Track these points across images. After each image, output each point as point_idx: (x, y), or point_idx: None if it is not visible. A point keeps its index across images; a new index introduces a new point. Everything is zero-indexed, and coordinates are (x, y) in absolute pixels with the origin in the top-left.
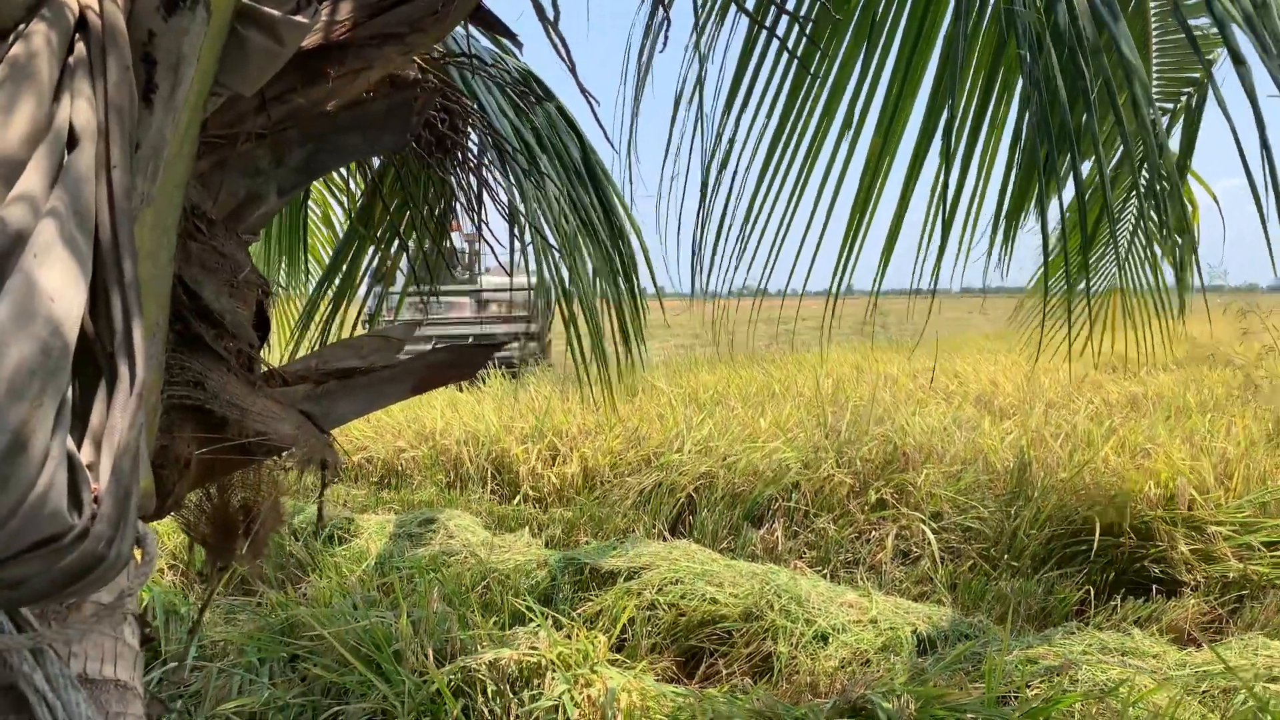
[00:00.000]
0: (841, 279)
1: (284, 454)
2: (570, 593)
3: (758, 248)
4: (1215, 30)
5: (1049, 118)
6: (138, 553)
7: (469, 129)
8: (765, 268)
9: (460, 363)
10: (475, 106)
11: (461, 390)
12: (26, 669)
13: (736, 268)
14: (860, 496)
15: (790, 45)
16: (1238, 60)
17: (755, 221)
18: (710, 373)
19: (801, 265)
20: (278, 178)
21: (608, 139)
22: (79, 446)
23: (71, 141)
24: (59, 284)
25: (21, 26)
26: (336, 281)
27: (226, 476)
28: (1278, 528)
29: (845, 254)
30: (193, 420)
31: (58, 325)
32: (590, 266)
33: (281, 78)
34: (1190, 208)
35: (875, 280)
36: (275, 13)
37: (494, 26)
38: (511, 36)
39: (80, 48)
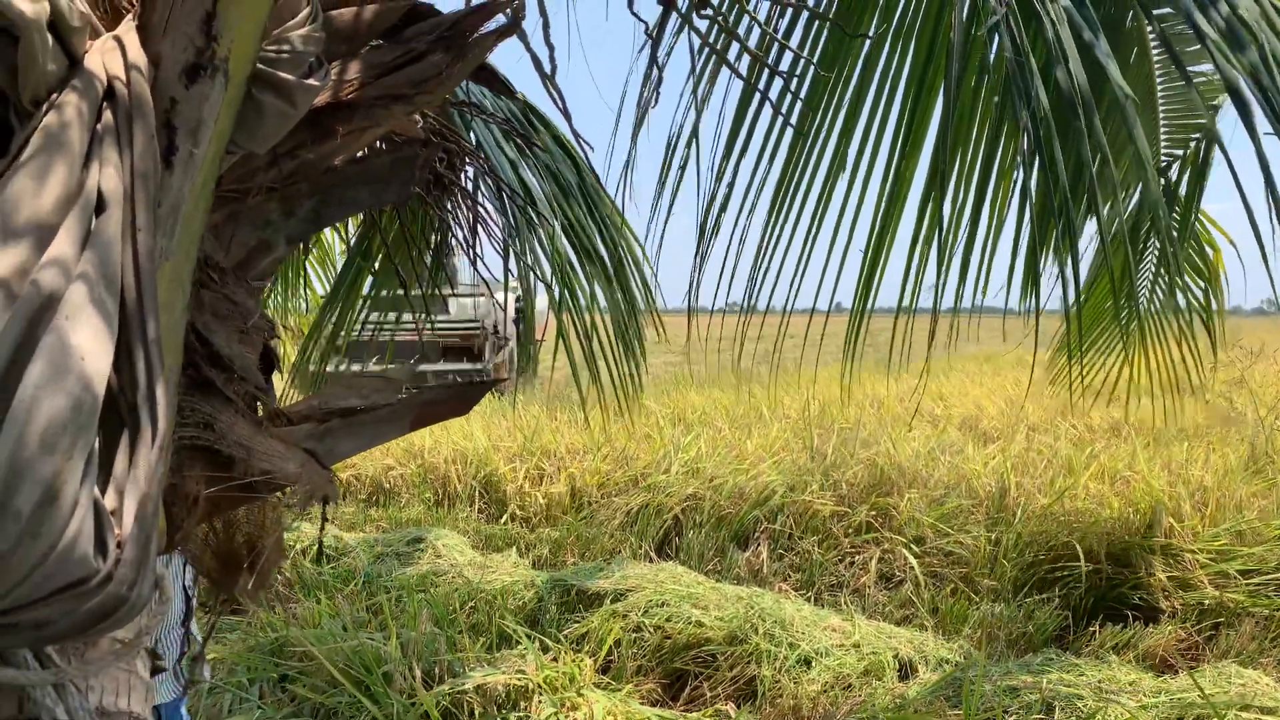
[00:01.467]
0: (865, 300)
1: (287, 490)
2: (557, 614)
3: (763, 273)
4: (1218, 76)
5: (1051, 179)
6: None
7: (466, 166)
8: (756, 284)
9: (456, 399)
10: (473, 144)
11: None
12: (49, 703)
13: (747, 288)
14: (844, 520)
15: (789, 95)
16: (1243, 111)
17: (766, 253)
18: (698, 393)
19: (809, 284)
20: (287, 228)
21: (597, 179)
22: (103, 494)
23: (100, 206)
24: (89, 343)
25: (54, 96)
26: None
27: (232, 512)
28: (1253, 555)
29: (861, 286)
30: (202, 459)
31: (88, 382)
32: (588, 288)
33: (292, 135)
34: (1211, 251)
35: (855, 299)
36: (290, 77)
37: (495, 84)
38: (510, 93)
39: (108, 116)
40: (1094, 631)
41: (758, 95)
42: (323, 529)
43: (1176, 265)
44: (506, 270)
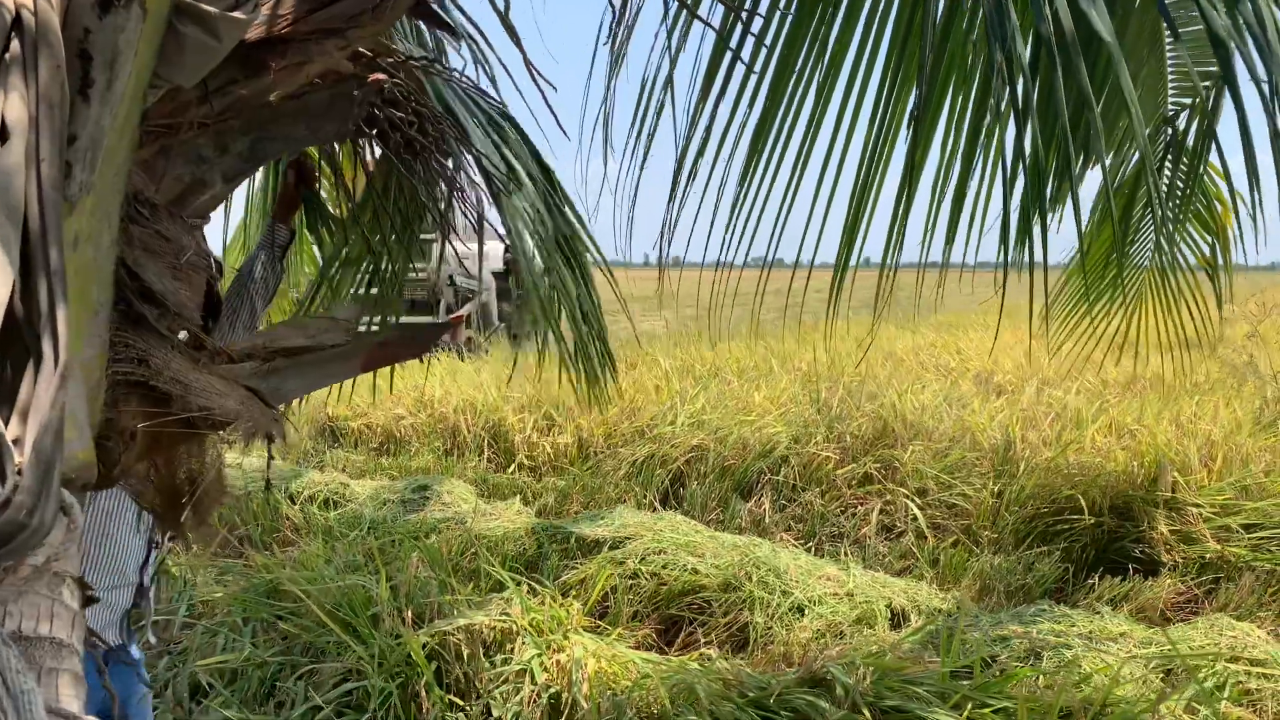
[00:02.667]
0: (848, 254)
1: (230, 428)
2: (557, 561)
3: (759, 222)
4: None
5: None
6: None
7: (442, 136)
8: (772, 239)
9: (411, 340)
10: (444, 113)
11: (463, 359)
12: None
13: (741, 238)
14: (848, 471)
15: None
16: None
17: (747, 196)
18: (710, 347)
19: (810, 237)
20: (222, 165)
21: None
22: (6, 422)
23: (2, 136)
24: None
25: None
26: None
27: (173, 449)
28: (1257, 510)
29: (849, 230)
30: (137, 395)
31: None
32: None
33: (223, 70)
34: (1220, 207)
35: (839, 252)
36: (212, 9)
37: (435, 20)
38: (453, 31)
39: (15, 46)
40: (1092, 584)
41: (735, 38)
42: (269, 465)
43: (1162, 216)
44: (482, 220)
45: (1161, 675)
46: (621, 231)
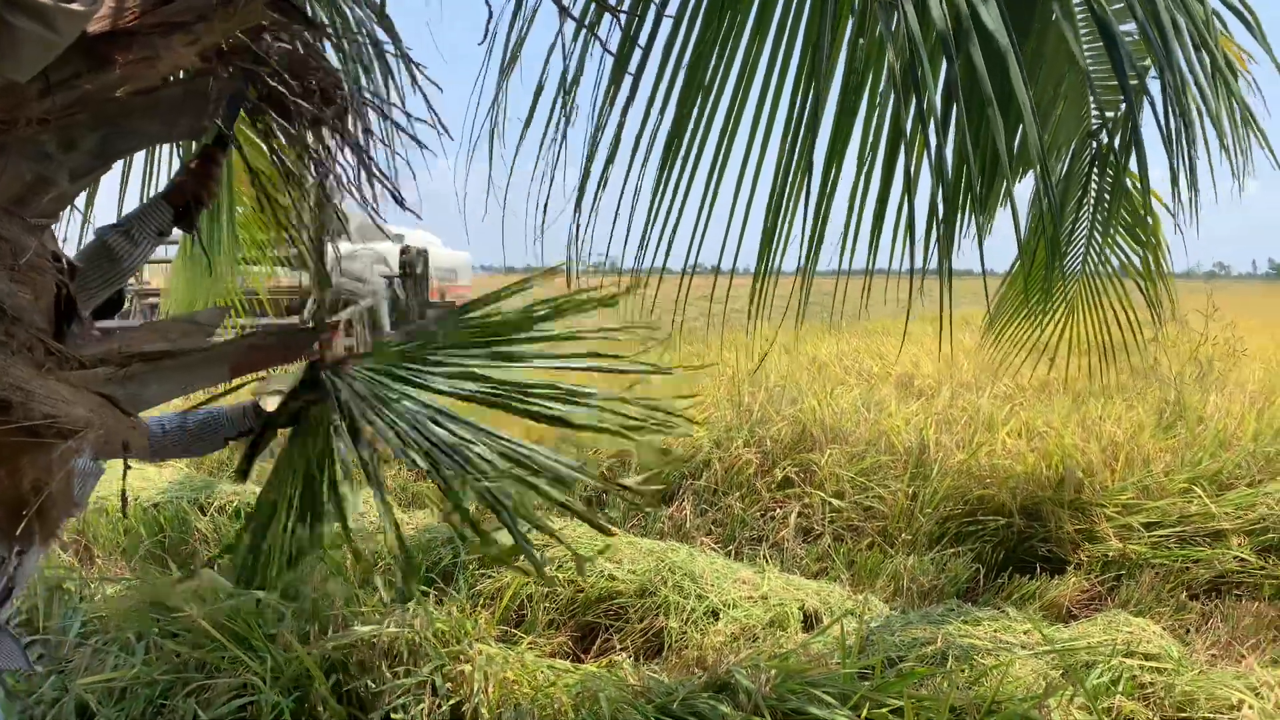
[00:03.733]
0: (767, 260)
1: (79, 436)
2: (473, 570)
3: (677, 228)
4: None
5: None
6: None
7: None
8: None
9: (284, 345)
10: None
11: None
12: None
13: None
14: (767, 475)
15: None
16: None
17: (662, 203)
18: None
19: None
20: (70, 162)
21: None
22: None
23: None
24: None
25: None
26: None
27: (17, 458)
28: (1156, 509)
29: (767, 237)
30: None
31: None
32: None
33: (67, 63)
34: (1151, 220)
35: (758, 261)
36: (48, 2)
37: (296, 17)
38: (311, 25)
39: None
40: (1002, 584)
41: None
42: (125, 475)
43: (1054, 228)
44: (375, 215)
45: (1060, 672)
46: (532, 237)
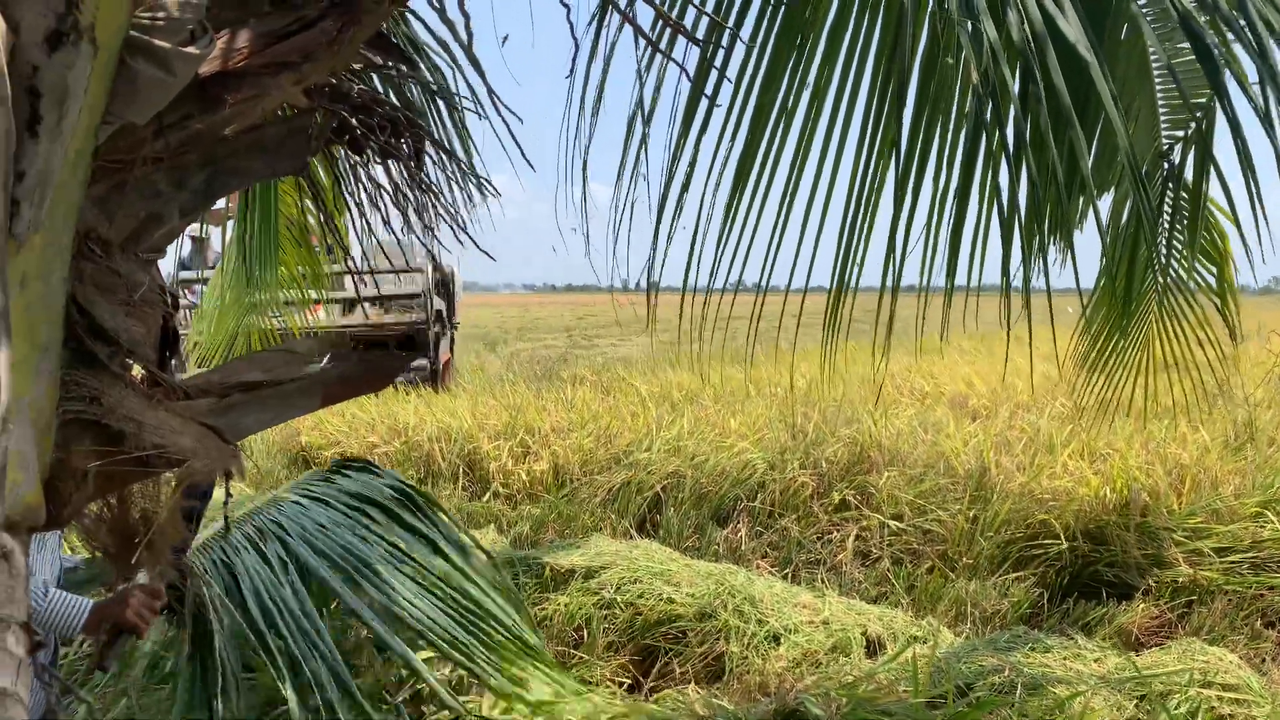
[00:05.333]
0: (841, 282)
1: (185, 465)
2: (531, 591)
3: (749, 251)
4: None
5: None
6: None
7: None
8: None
9: (373, 373)
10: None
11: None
12: None
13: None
14: (824, 498)
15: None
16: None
17: (732, 228)
18: (688, 371)
19: (784, 263)
20: (179, 200)
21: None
22: None
23: None
24: None
25: None
26: None
27: (126, 488)
28: (1227, 533)
29: (842, 260)
30: (90, 434)
31: None
32: None
33: (179, 104)
34: (1219, 238)
35: (832, 278)
36: (166, 45)
37: (395, 54)
38: (409, 63)
39: None
40: (1067, 609)
41: (712, 75)
42: (226, 503)
43: (1153, 241)
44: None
45: (1135, 701)
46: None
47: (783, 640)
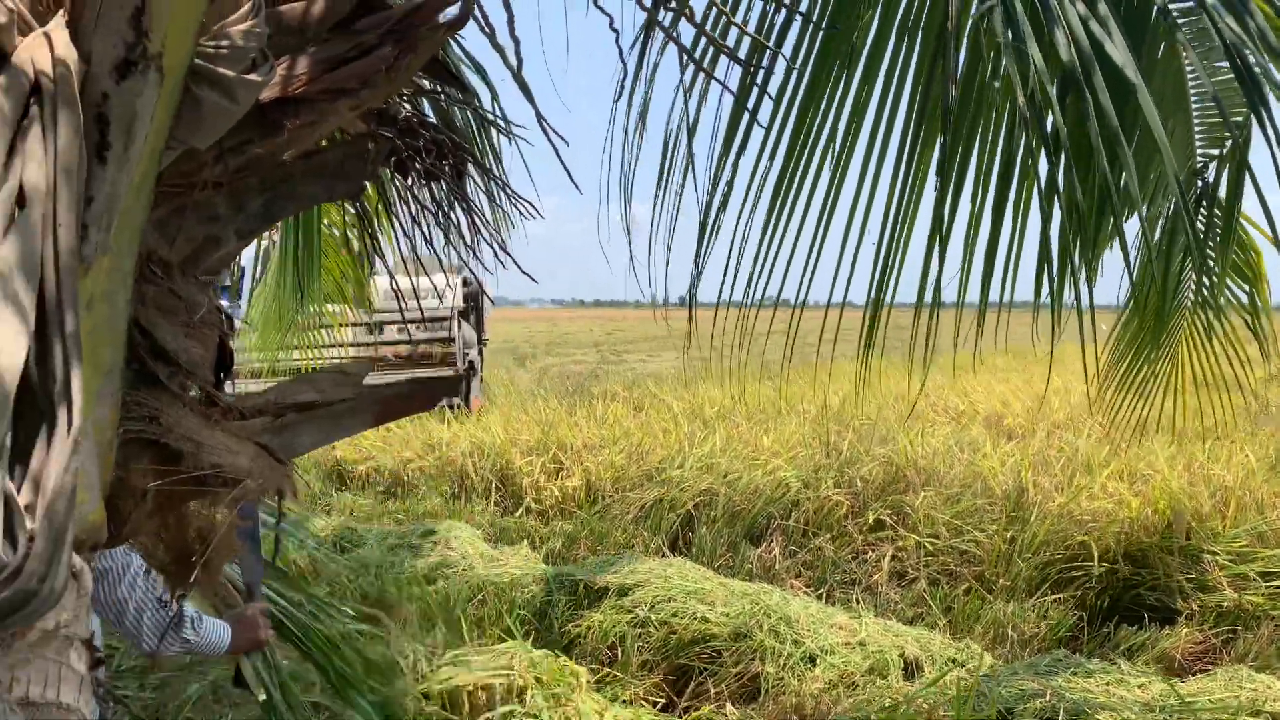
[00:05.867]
0: (878, 302)
1: (240, 484)
2: (565, 608)
3: (788, 268)
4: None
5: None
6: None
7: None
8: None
9: (422, 394)
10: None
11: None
12: None
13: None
14: (859, 517)
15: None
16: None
17: (771, 246)
18: (718, 387)
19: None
20: (236, 223)
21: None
22: (19, 487)
23: (21, 200)
24: (3, 336)
25: None
26: None
27: (183, 506)
28: (1274, 557)
29: (879, 278)
30: (149, 453)
31: (0, 375)
32: None
33: (239, 129)
34: (1254, 254)
35: (869, 295)
36: (229, 73)
37: (449, 80)
38: (466, 89)
39: (34, 111)
40: (1108, 633)
41: (753, 94)
42: (279, 522)
43: (1200, 260)
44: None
45: None
46: (638, 273)
47: (819, 661)
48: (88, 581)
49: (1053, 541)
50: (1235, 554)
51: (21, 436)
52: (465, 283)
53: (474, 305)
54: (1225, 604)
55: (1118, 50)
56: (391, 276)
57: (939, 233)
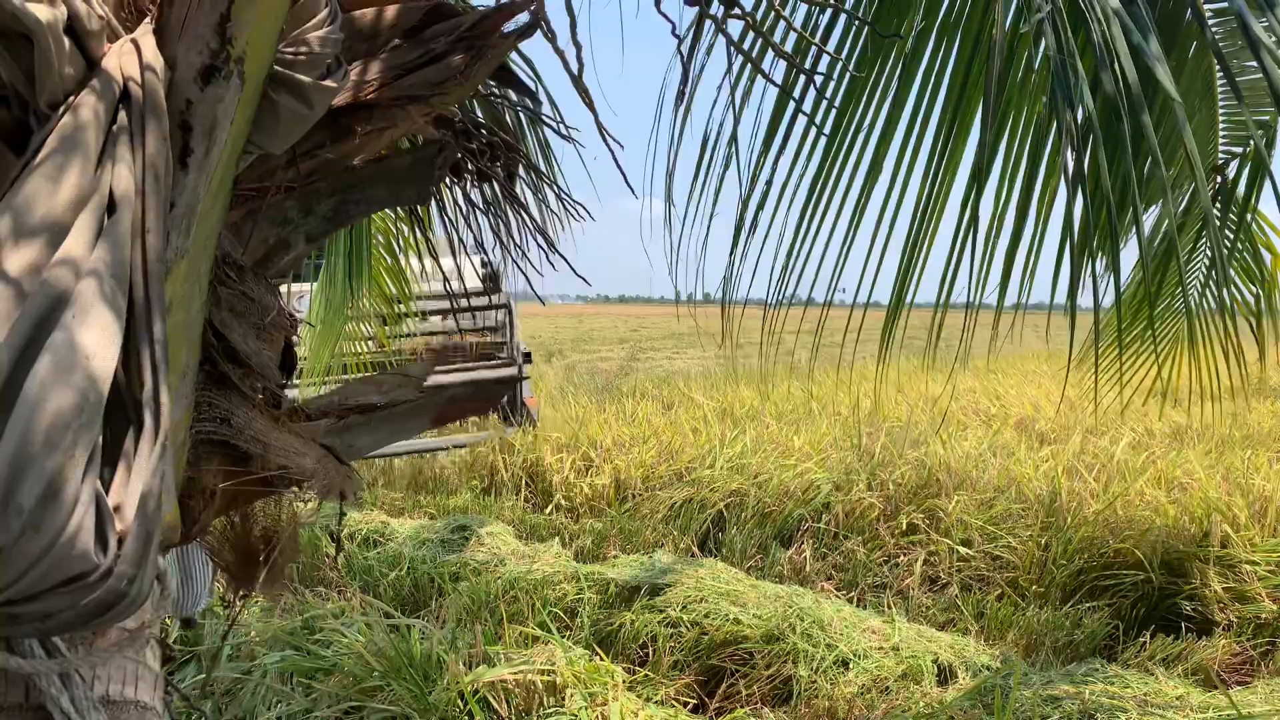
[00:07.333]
0: (900, 299)
1: (304, 485)
2: (595, 607)
3: (820, 267)
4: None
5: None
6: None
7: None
8: (832, 278)
9: (479, 397)
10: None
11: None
12: (54, 691)
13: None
14: (891, 520)
15: (823, 99)
16: None
17: (803, 245)
18: (748, 387)
19: (851, 279)
20: (306, 226)
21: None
22: (107, 489)
23: (111, 206)
24: (96, 341)
25: (71, 98)
26: None
27: (249, 506)
28: None
29: (902, 275)
30: (219, 454)
31: (93, 380)
32: None
33: (311, 134)
34: (1269, 255)
35: (892, 295)
36: (306, 79)
37: (515, 85)
38: (532, 95)
39: (123, 117)
40: (1143, 642)
41: (797, 91)
42: (339, 523)
43: (1224, 270)
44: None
45: None
46: (666, 271)
47: (852, 666)
48: (170, 583)
49: (1087, 549)
50: (1275, 564)
51: (109, 438)
52: (485, 264)
53: (495, 285)
54: (1264, 615)
55: (1168, 82)
56: (445, 280)
57: (972, 233)
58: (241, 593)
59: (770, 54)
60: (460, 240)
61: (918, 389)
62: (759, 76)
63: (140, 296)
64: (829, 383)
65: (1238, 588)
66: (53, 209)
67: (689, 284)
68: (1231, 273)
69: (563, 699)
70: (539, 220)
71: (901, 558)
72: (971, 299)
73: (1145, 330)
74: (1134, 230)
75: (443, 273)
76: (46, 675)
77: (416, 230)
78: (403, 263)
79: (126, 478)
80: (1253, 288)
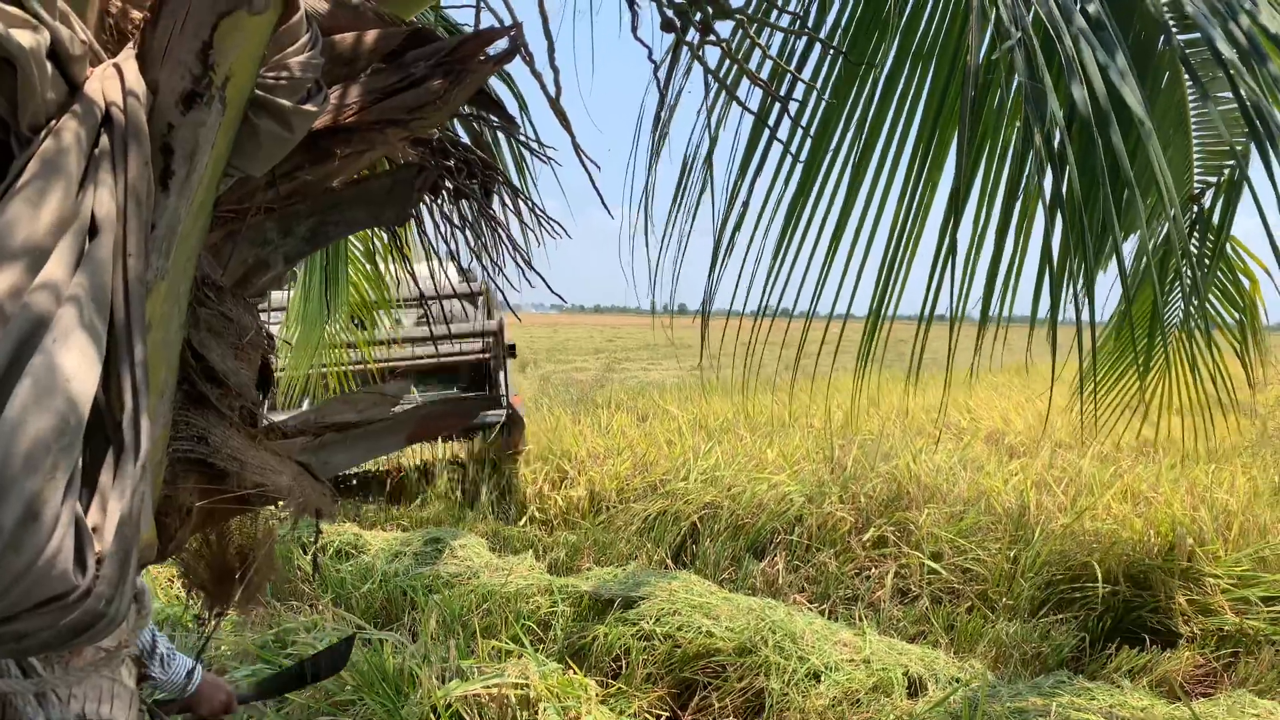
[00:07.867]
0: (878, 317)
1: (280, 502)
2: (569, 619)
3: (802, 284)
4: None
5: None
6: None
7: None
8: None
9: (454, 414)
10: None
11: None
12: (30, 711)
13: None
14: (862, 533)
15: (799, 127)
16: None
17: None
18: (722, 399)
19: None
20: (285, 247)
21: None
22: (86, 510)
23: (93, 229)
24: (76, 364)
25: (53, 122)
26: None
27: (225, 524)
28: (1276, 582)
29: (880, 294)
30: (196, 472)
31: (74, 402)
32: None
33: (290, 156)
34: (1248, 281)
35: (870, 313)
36: (286, 103)
37: (494, 109)
38: (511, 120)
39: (105, 141)
40: (1109, 655)
41: (774, 117)
42: (316, 540)
43: (1201, 294)
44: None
45: None
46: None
47: (823, 678)
48: (148, 603)
49: (1055, 562)
50: (1237, 578)
51: (89, 460)
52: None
53: (484, 290)
54: (1227, 628)
55: (1135, 101)
56: (423, 299)
57: (951, 251)
58: (217, 610)
59: (746, 80)
60: (438, 257)
61: (890, 402)
62: (739, 93)
63: (121, 319)
64: (802, 395)
65: (1202, 600)
66: (34, 233)
67: (664, 298)
68: (1211, 298)
69: (536, 712)
70: (516, 237)
71: (873, 570)
72: (954, 312)
73: (1130, 354)
74: (1114, 256)
75: (419, 288)
76: (23, 694)
77: (394, 253)
78: (382, 269)
79: (105, 499)
80: (1234, 314)
